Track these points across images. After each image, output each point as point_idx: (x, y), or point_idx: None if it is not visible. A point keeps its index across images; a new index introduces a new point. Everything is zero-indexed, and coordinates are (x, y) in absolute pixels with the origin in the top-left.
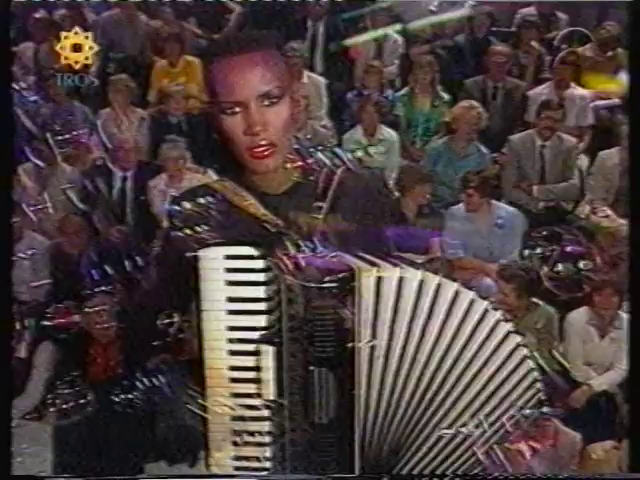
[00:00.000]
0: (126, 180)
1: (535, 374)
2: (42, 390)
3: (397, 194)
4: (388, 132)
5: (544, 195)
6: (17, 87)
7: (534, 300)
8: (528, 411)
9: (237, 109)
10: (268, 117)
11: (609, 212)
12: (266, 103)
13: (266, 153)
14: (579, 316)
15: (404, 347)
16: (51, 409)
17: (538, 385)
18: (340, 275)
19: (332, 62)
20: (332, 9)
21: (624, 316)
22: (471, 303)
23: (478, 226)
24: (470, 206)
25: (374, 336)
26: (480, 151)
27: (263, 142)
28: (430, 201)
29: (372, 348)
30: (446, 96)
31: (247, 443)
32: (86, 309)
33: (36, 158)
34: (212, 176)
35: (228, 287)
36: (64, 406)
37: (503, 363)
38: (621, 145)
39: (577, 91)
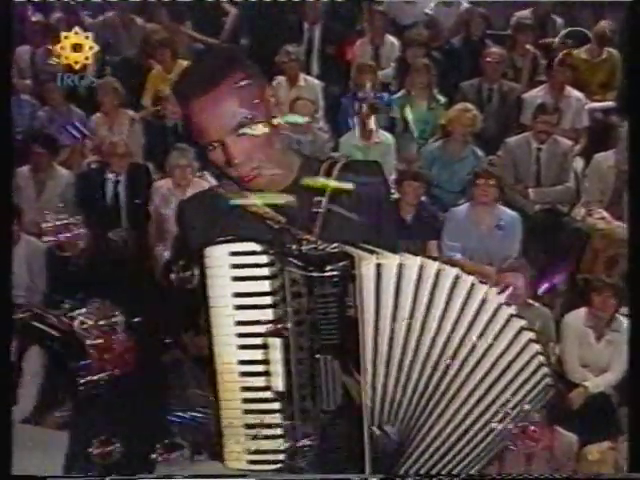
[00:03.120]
0: (118, 184)
1: (541, 358)
2: (35, 395)
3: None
4: (385, 135)
5: (540, 198)
6: (14, 91)
7: (530, 301)
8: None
9: (215, 145)
10: (245, 146)
11: (605, 214)
12: (240, 132)
13: (252, 176)
14: (576, 318)
15: (407, 332)
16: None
17: (545, 369)
18: (340, 264)
19: (328, 65)
20: (328, 12)
21: (621, 318)
22: (472, 287)
23: (479, 227)
24: (484, 197)
25: (377, 323)
26: (475, 154)
27: (246, 169)
28: (426, 203)
29: (376, 334)
30: (442, 99)
31: (260, 436)
32: (81, 314)
33: (32, 162)
34: (209, 179)
35: (234, 283)
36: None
37: (508, 347)
38: (616, 147)
39: (572, 93)
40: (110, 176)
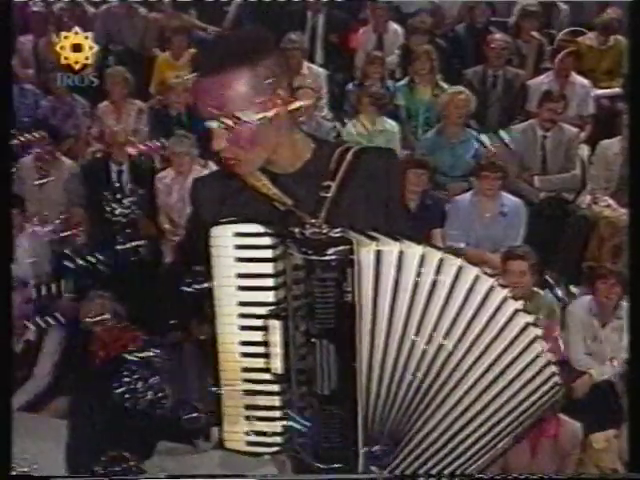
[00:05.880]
0: (122, 173)
1: (549, 355)
2: (50, 375)
3: None
4: (389, 122)
5: (545, 185)
6: (17, 80)
7: (535, 289)
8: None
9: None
10: (228, 139)
11: (610, 201)
12: (228, 125)
13: (231, 163)
14: (581, 306)
15: (406, 321)
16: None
17: (553, 368)
18: (339, 248)
19: (332, 53)
20: (332, 0)
21: (625, 306)
22: (475, 280)
23: (483, 215)
24: (490, 190)
25: (375, 309)
26: (477, 138)
27: (225, 156)
28: (430, 191)
29: (373, 320)
30: (446, 86)
31: (259, 418)
32: (85, 303)
33: (36, 151)
34: (212, 167)
35: (238, 263)
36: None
37: (512, 342)
38: (622, 134)
39: (578, 80)
40: (114, 166)
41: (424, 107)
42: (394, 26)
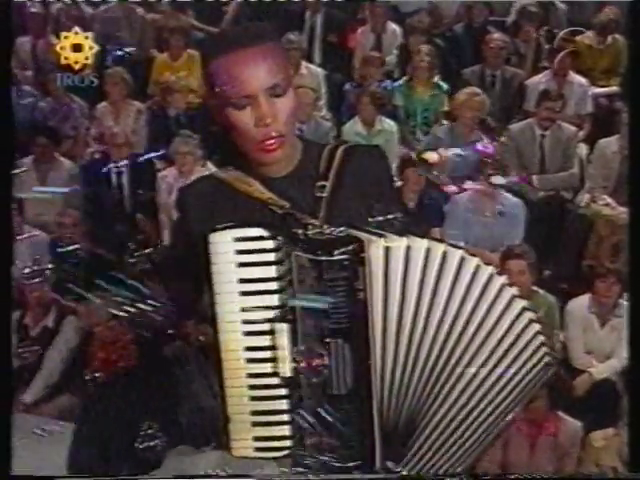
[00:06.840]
0: (121, 174)
1: (541, 338)
2: (60, 366)
3: (397, 183)
4: (387, 122)
5: (544, 184)
6: (15, 82)
7: (534, 288)
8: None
9: (246, 103)
10: (276, 109)
11: (609, 200)
12: (274, 95)
13: (276, 145)
14: (580, 304)
15: (415, 314)
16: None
17: (545, 348)
18: (350, 247)
19: (331, 53)
20: (330, 0)
21: (625, 304)
22: (477, 269)
23: (482, 215)
24: (488, 189)
25: (386, 304)
26: (482, 139)
27: (274, 134)
28: (428, 189)
29: (385, 316)
30: (445, 85)
31: (267, 423)
32: (84, 306)
33: (34, 152)
34: (211, 168)
35: (239, 269)
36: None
37: (510, 327)
38: (620, 133)
39: (576, 79)
40: (113, 167)
41: (422, 107)
42: (392, 26)
